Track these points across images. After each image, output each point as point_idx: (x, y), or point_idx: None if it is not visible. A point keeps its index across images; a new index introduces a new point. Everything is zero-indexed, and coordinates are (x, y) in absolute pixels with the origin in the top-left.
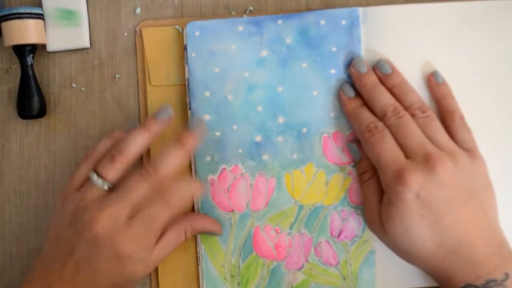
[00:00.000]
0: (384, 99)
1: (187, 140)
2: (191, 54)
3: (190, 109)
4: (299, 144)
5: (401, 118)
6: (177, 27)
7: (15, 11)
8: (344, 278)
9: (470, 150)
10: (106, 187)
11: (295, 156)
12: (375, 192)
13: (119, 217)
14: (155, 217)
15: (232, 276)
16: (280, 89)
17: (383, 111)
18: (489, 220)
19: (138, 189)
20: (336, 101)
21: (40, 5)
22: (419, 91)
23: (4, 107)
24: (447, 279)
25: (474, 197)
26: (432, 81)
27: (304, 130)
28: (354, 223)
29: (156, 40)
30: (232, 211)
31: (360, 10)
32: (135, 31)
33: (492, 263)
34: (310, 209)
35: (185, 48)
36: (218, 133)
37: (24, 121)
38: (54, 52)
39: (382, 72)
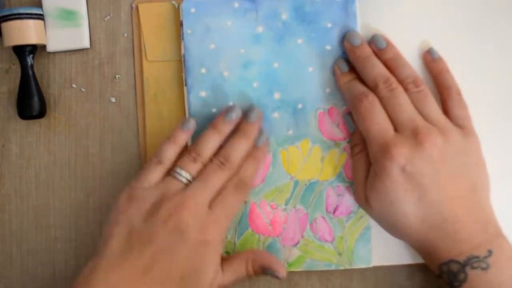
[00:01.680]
0: (376, 70)
1: (250, 131)
2: (187, 30)
3: (186, 85)
4: (295, 120)
5: (393, 91)
6: (173, 2)
7: (15, 12)
8: (340, 254)
9: (463, 127)
10: (187, 180)
11: (290, 132)
12: (364, 165)
13: (203, 203)
14: (232, 204)
15: (227, 252)
16: (275, 65)
17: (375, 82)
18: (477, 197)
19: (216, 178)
20: (332, 77)
21: (40, 5)
22: (415, 68)
23: (4, 107)
24: (431, 254)
25: (463, 174)
26: (428, 57)
27: (300, 106)
28: (349, 199)
29: (152, 16)
30: None
31: None
32: (132, 7)
33: (476, 240)
34: (306, 184)
35: (181, 24)
36: (214, 110)
37: (24, 121)
38: (54, 53)
39: (377, 47)
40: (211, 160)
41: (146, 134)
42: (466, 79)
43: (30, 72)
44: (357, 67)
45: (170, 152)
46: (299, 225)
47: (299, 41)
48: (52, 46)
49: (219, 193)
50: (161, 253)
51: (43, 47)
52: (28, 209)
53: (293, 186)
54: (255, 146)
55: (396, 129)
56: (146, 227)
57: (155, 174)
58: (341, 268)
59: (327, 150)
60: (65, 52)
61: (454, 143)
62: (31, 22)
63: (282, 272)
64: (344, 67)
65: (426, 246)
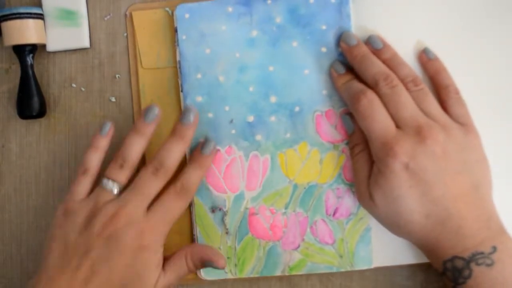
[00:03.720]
0: (375, 68)
1: (184, 133)
2: (182, 36)
3: (182, 91)
4: (292, 123)
5: (394, 88)
6: (167, 9)
7: (15, 11)
8: (341, 256)
9: (464, 124)
10: (117, 190)
11: (288, 135)
12: (366, 165)
13: (137, 211)
14: (171, 209)
15: (228, 257)
16: (271, 68)
17: (375, 79)
18: (480, 194)
19: (150, 184)
20: (328, 79)
21: (40, 5)
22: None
23: (4, 107)
24: (435, 251)
25: (465, 171)
26: (424, 58)
27: (297, 109)
28: (349, 201)
29: (147, 23)
30: (227, 193)
31: None
32: (125, 15)
33: (480, 236)
34: (305, 188)
35: (175, 30)
36: (210, 115)
37: (24, 121)
38: (54, 52)
39: (374, 47)
40: (146, 166)
41: None
42: (461, 78)
43: (30, 72)
44: (355, 67)
45: (93, 159)
46: (299, 229)
47: (294, 44)
48: (52, 45)
49: (157, 198)
50: (99, 264)
51: (43, 46)
52: (28, 209)
53: (292, 189)
54: (201, 154)
55: (397, 126)
56: (82, 240)
57: (84, 184)
58: (343, 270)
59: (326, 153)
60: (65, 51)
61: (456, 140)
62: (31, 22)
63: (221, 263)
64: (341, 69)
65: (430, 243)
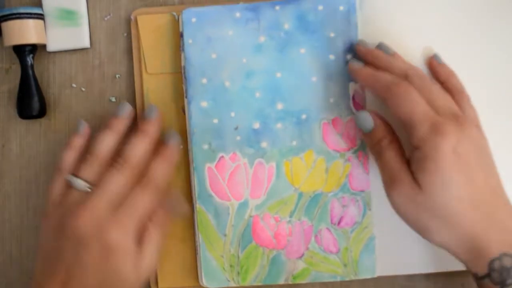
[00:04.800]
0: (403, 63)
1: (147, 128)
2: (188, 40)
3: (186, 96)
4: (299, 131)
5: (424, 78)
6: (174, 13)
7: (15, 11)
8: (345, 265)
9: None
10: (86, 188)
11: (294, 143)
12: (399, 154)
13: (100, 209)
14: (136, 203)
15: (231, 266)
16: (278, 75)
17: (404, 72)
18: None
19: (114, 181)
20: (336, 87)
21: (40, 5)
22: None
23: (4, 107)
24: (479, 249)
25: (491, 168)
26: (434, 63)
27: (304, 116)
28: (354, 210)
29: (152, 28)
30: (231, 200)
31: None
32: (131, 19)
33: None
34: (310, 196)
35: (181, 35)
36: (215, 120)
37: (24, 121)
38: (54, 52)
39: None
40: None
41: None
42: (469, 86)
43: (30, 72)
44: (379, 62)
45: (66, 158)
46: (304, 237)
47: (302, 50)
48: (52, 45)
49: (121, 194)
50: (73, 267)
51: (43, 46)
52: (28, 209)
53: (297, 198)
54: (165, 146)
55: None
56: (56, 244)
57: (57, 184)
58: (347, 279)
59: (332, 161)
60: (65, 51)
61: (482, 136)
62: (31, 22)
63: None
64: (359, 63)
65: (476, 239)
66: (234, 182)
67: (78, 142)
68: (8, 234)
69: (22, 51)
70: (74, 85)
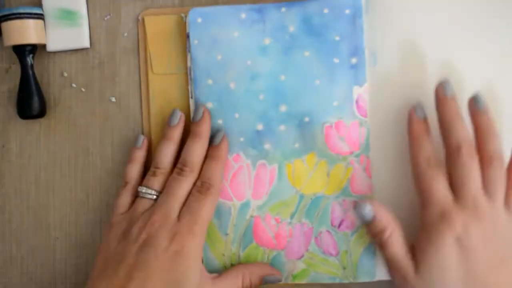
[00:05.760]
0: (463, 131)
1: (200, 130)
2: (194, 41)
3: (192, 97)
4: (301, 133)
5: (472, 160)
6: (182, 15)
7: (15, 11)
8: (344, 268)
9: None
10: (154, 196)
11: (296, 145)
12: (401, 243)
13: (169, 214)
14: (196, 207)
15: (232, 264)
16: (282, 77)
17: (458, 144)
18: None
19: (178, 185)
20: (339, 91)
21: (40, 5)
22: (421, 85)
23: (4, 107)
24: None
25: (509, 258)
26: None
27: (306, 119)
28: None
29: (159, 29)
30: (233, 200)
31: None
32: (138, 19)
33: None
34: (311, 199)
35: (187, 36)
36: (220, 121)
37: (24, 121)
38: (54, 52)
39: (475, 107)
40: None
41: (152, 146)
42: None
43: (30, 72)
44: (443, 118)
45: (132, 171)
46: (304, 239)
47: (307, 53)
48: (52, 45)
49: (186, 199)
50: (135, 270)
51: (43, 46)
52: (28, 209)
53: (298, 200)
54: (216, 147)
55: (455, 196)
56: (119, 248)
57: (125, 197)
58: (346, 281)
59: (333, 164)
60: (65, 51)
61: (507, 224)
62: (31, 22)
63: (280, 275)
64: (421, 113)
65: None
66: (236, 182)
67: (139, 154)
68: (8, 234)
69: (22, 51)
70: (74, 85)
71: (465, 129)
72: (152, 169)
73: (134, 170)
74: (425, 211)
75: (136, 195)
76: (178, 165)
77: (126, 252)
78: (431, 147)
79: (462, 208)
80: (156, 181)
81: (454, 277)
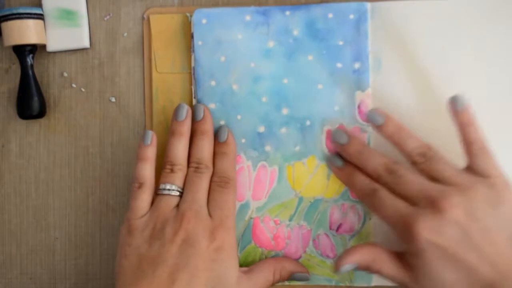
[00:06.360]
0: (373, 161)
1: (203, 128)
2: (198, 42)
3: (195, 97)
4: (302, 136)
5: (395, 173)
6: (187, 14)
7: (15, 11)
8: None
9: (490, 177)
10: (178, 193)
11: (297, 148)
12: (393, 266)
13: (201, 211)
14: (222, 200)
15: None
16: (285, 81)
17: (376, 173)
18: None
19: (198, 181)
20: (342, 95)
21: (40, 5)
22: (426, 87)
23: (4, 107)
24: None
25: (497, 227)
26: (452, 107)
27: (308, 122)
28: (353, 217)
29: (163, 28)
30: None
31: (368, 4)
32: (143, 18)
33: None
34: (310, 201)
35: (192, 36)
36: (222, 122)
37: (24, 121)
38: (54, 52)
39: (375, 123)
40: (188, 166)
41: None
42: (480, 99)
43: (30, 72)
44: (353, 162)
45: (145, 171)
46: (302, 241)
47: (310, 57)
48: (52, 46)
49: (209, 196)
50: (177, 271)
51: (43, 47)
52: (28, 209)
53: (297, 202)
54: (219, 143)
55: (412, 205)
56: (154, 250)
57: (143, 198)
58: (342, 284)
59: None
60: (65, 51)
61: (479, 197)
62: (31, 22)
63: (307, 276)
64: (339, 163)
65: None
66: (237, 183)
67: (149, 152)
68: (8, 234)
69: (22, 51)
70: (74, 85)
71: (373, 157)
72: (168, 166)
73: (148, 169)
74: (396, 235)
75: (156, 194)
76: (193, 164)
77: (164, 254)
78: (363, 179)
79: (420, 210)
80: (177, 178)
81: (448, 276)
